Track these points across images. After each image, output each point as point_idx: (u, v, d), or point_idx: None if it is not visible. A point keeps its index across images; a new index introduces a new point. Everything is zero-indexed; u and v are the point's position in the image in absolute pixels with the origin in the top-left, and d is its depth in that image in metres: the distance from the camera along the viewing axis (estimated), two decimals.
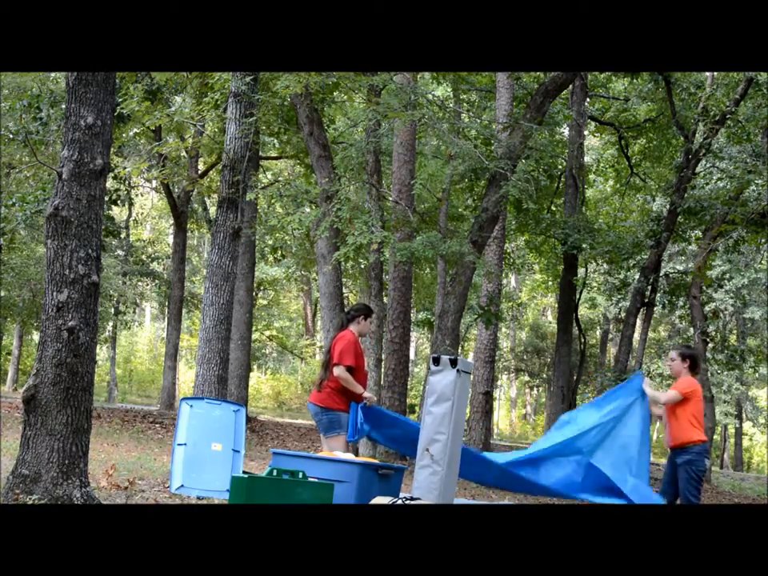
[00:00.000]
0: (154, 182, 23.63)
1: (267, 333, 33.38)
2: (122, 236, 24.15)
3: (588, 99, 18.25)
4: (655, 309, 18.56)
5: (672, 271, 20.16)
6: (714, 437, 25.85)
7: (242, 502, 4.54)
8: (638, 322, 17.69)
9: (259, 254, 21.90)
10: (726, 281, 21.92)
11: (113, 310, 25.41)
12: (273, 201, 18.98)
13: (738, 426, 34.74)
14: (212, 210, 20.60)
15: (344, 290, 18.36)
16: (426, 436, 5.44)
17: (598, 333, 32.68)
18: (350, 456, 5.80)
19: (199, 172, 19.61)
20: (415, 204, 13.73)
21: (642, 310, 16.32)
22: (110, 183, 16.34)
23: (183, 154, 17.71)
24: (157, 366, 35.20)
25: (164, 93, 14.12)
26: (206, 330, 10.15)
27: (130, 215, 26.33)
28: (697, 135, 16.10)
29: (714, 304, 23.82)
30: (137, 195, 25.43)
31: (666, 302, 18.18)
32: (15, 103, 12.47)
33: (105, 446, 11.12)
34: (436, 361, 5.52)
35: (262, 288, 30.54)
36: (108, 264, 22.69)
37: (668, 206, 16.32)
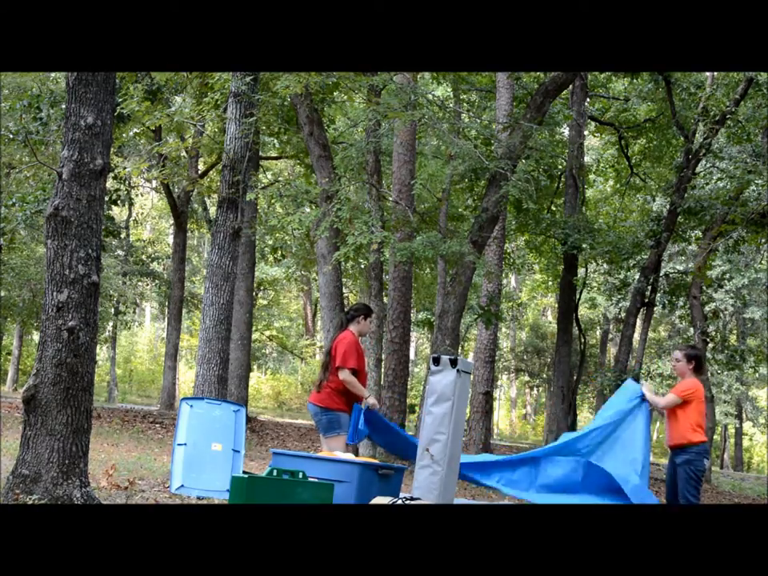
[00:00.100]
0: (153, 182, 23.63)
1: (267, 333, 33.39)
2: (122, 236, 24.16)
3: (588, 99, 18.25)
4: (655, 309, 18.56)
5: (672, 271, 20.16)
6: (714, 437, 25.85)
7: (242, 501, 4.53)
8: (638, 321, 17.68)
9: (259, 254, 21.91)
10: (726, 281, 21.92)
11: (113, 309, 25.42)
12: (273, 201, 18.98)
13: (738, 426, 34.75)
14: (212, 210, 20.60)
15: (344, 290, 18.36)
16: (426, 436, 5.44)
17: (598, 333, 32.67)
18: (349, 456, 5.80)
19: (199, 172, 19.61)
20: (415, 204, 13.72)
21: (642, 309, 16.32)
22: (110, 183, 16.34)
23: (183, 153, 17.71)
24: (157, 366, 35.20)
25: (164, 93, 14.12)
26: (206, 329, 10.15)
27: (129, 215, 26.33)
28: (697, 135, 16.10)
29: (714, 304, 23.82)
30: (137, 195, 25.43)
31: (666, 301, 18.17)
32: (15, 103, 12.48)
33: (105, 446, 11.12)
34: (436, 361, 5.52)
35: (262, 288, 30.55)
36: (108, 264, 22.70)
37: (668, 206, 16.31)
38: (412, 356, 32.21)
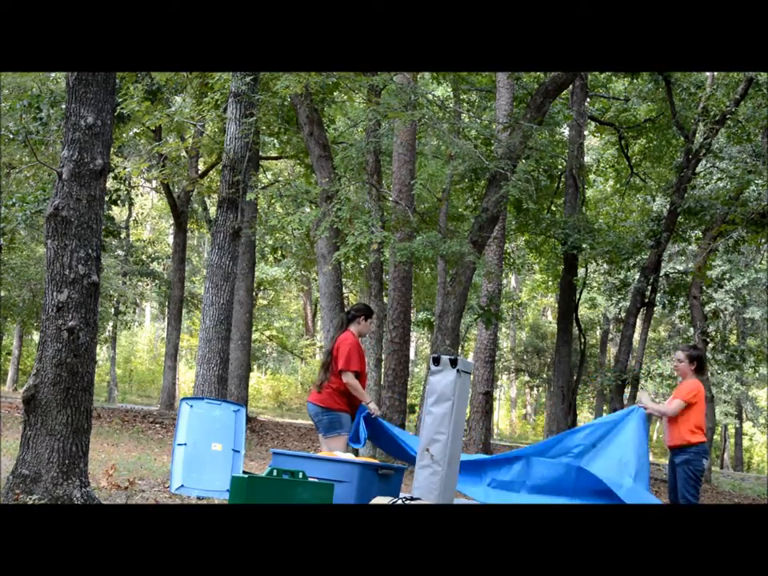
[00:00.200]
0: (153, 182, 23.63)
1: (267, 333, 33.39)
2: (122, 236, 24.15)
3: (588, 99, 18.24)
4: (655, 309, 18.55)
5: (672, 271, 20.16)
6: (714, 437, 25.85)
7: (242, 501, 4.54)
8: (638, 321, 17.69)
9: (259, 254, 21.90)
10: (726, 281, 21.91)
11: (113, 309, 25.41)
12: (273, 201, 18.98)
13: (738, 426, 34.74)
14: (212, 210, 20.59)
15: (344, 290, 18.36)
16: (426, 436, 5.44)
17: (598, 333, 32.67)
18: (349, 456, 5.80)
19: (199, 172, 19.61)
20: (415, 204, 13.72)
21: (642, 309, 16.32)
22: (110, 183, 16.34)
23: (183, 153, 17.71)
24: (157, 366, 35.20)
25: (164, 93, 14.11)
26: (206, 329, 10.15)
27: (129, 215, 26.33)
28: (697, 135, 16.10)
29: (714, 304, 23.81)
30: (137, 195, 25.43)
31: (666, 301, 18.17)
32: (15, 103, 12.48)
33: (105, 445, 11.12)
34: (436, 361, 5.52)
35: (262, 288, 30.54)
36: (108, 264, 22.70)
37: (668, 206, 16.31)
38: (412, 356, 32.20)
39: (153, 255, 26.19)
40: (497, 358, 21.80)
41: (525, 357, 35.52)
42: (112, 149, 7.63)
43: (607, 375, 16.01)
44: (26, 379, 11.09)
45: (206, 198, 21.46)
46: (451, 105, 16.65)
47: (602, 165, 22.03)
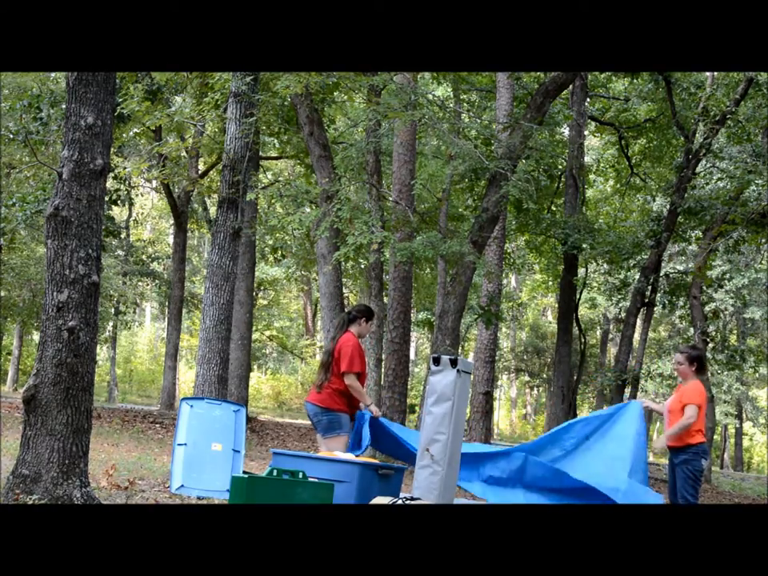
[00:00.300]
0: (154, 182, 23.63)
1: (267, 333, 33.38)
2: (122, 236, 24.15)
3: (588, 99, 18.24)
4: (655, 309, 18.55)
5: (672, 271, 20.15)
6: (714, 437, 25.84)
7: (242, 501, 4.53)
8: (638, 321, 17.69)
9: (259, 254, 21.90)
10: (726, 281, 21.91)
11: (113, 309, 25.42)
12: (273, 201, 18.99)
13: (738, 426, 34.74)
14: (212, 210, 20.60)
15: (344, 290, 18.37)
16: (426, 436, 5.44)
17: (598, 333, 32.67)
18: (349, 456, 5.80)
19: (199, 172, 19.61)
20: (415, 204, 13.72)
21: (642, 309, 16.32)
22: (110, 183, 16.34)
23: (183, 153, 17.71)
24: (157, 366, 35.20)
25: (164, 93, 14.12)
26: (206, 330, 10.15)
27: (130, 215, 26.33)
28: (697, 135, 16.10)
29: (714, 304, 23.81)
30: (137, 195, 25.43)
31: (666, 301, 18.17)
32: (15, 103, 12.49)
33: (105, 445, 11.12)
34: (436, 361, 5.52)
35: (262, 288, 30.54)
36: (108, 264, 22.70)
37: (668, 206, 16.31)
38: (412, 356, 32.20)
39: (153, 255, 26.19)
40: (497, 357, 21.79)
41: (525, 357, 35.52)
42: (112, 149, 7.63)
43: (607, 375, 16.01)
44: (26, 379, 11.09)
45: (206, 198, 21.46)
46: (451, 105, 16.65)
47: (602, 165, 22.03)
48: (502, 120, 13.27)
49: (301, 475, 4.79)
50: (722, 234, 15.75)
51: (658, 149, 18.95)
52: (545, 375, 33.80)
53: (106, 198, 13.46)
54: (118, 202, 17.59)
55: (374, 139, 11.47)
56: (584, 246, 15.28)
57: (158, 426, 15.59)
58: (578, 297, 17.63)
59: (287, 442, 16.19)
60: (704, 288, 18.18)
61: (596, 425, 6.65)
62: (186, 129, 17.33)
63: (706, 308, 20.32)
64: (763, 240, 16.53)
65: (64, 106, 6.15)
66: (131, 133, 17.35)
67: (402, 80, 11.49)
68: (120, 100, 12.37)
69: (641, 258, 16.61)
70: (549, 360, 32.54)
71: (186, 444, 7.55)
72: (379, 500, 4.92)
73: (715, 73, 16.25)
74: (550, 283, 24.70)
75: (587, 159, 21.52)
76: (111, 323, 26.49)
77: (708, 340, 17.89)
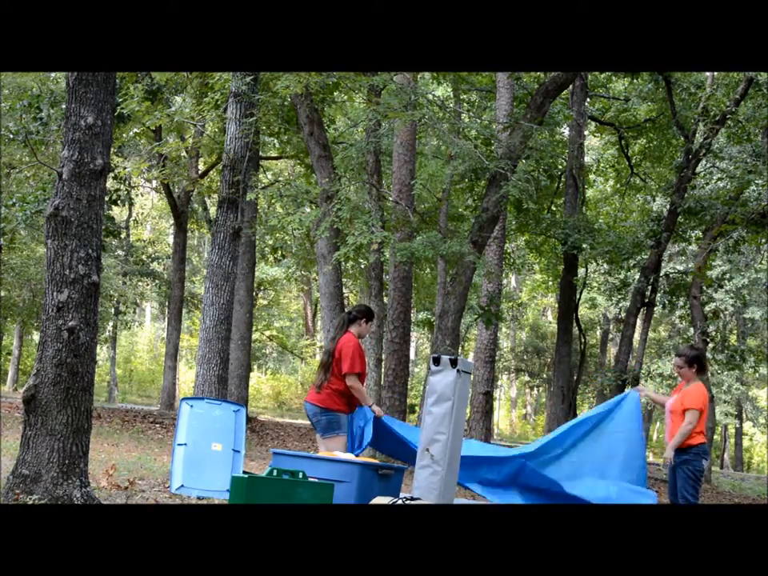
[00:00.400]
0: (154, 182, 23.63)
1: (267, 333, 33.38)
2: (122, 236, 24.15)
3: (588, 99, 18.24)
4: (655, 309, 18.55)
5: (672, 271, 20.15)
6: (714, 437, 25.84)
7: (242, 501, 4.53)
8: (638, 322, 17.68)
9: (259, 254, 21.90)
10: (726, 281, 21.91)
11: (113, 310, 25.42)
12: (273, 201, 18.97)
13: (738, 426, 34.74)
14: (212, 210, 20.60)
15: (344, 290, 18.37)
16: (426, 436, 5.44)
17: (598, 333, 32.67)
18: (349, 456, 5.80)
19: (199, 172, 19.61)
20: (415, 204, 13.72)
21: (642, 309, 16.31)
22: (110, 183, 16.34)
23: (183, 153, 17.71)
24: (157, 366, 35.20)
25: (164, 93, 14.12)
26: (206, 330, 10.15)
27: (130, 215, 26.33)
28: (697, 135, 16.09)
29: (714, 304, 23.81)
30: (137, 195, 25.43)
31: (666, 302, 18.17)
32: (15, 103, 12.49)
33: (105, 446, 11.12)
34: (436, 361, 5.52)
35: (262, 288, 30.54)
36: (108, 264, 22.70)
37: (668, 206, 16.31)
38: (412, 356, 32.20)
39: (153, 255, 26.18)
40: (497, 357, 21.79)
41: (525, 357, 35.52)
42: (112, 149, 7.63)
43: (607, 375, 16.00)
44: (26, 379, 11.10)
45: (206, 198, 21.46)
46: (451, 105, 16.65)
47: (602, 165, 22.03)
48: (502, 120, 13.27)
49: (301, 475, 4.78)
50: (722, 233, 15.75)
51: (658, 149, 18.95)
52: (545, 375, 33.80)
53: (106, 198, 13.46)
54: (118, 202, 17.59)
55: (373, 139, 11.47)
56: (584, 245, 15.28)
57: (157, 425, 15.59)
58: (577, 297, 17.63)
59: (287, 441, 16.19)
60: (704, 288, 18.17)
61: (594, 423, 6.65)
62: (186, 129, 17.33)
63: (706, 308, 20.32)
64: (763, 240, 16.52)
65: (64, 106, 6.15)
66: (131, 133, 17.35)
67: (402, 80, 11.49)
68: (120, 100, 12.37)
69: (641, 258, 16.60)
70: (549, 360, 32.54)
71: (185, 444, 7.55)
72: (379, 500, 4.92)
73: (715, 73, 16.25)
74: (550, 283, 24.70)
75: (587, 159, 21.52)
76: (111, 323, 26.49)
77: (708, 340, 17.89)
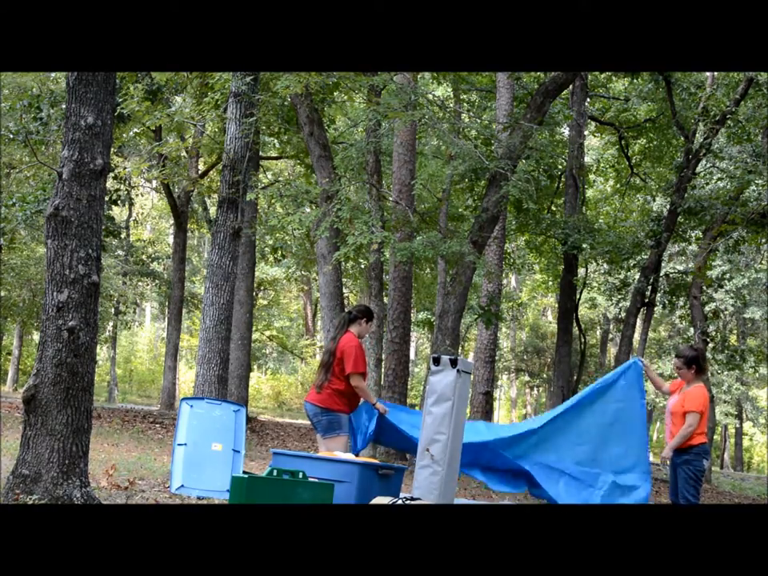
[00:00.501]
0: (154, 182, 23.63)
1: (267, 333, 33.38)
2: (122, 236, 24.14)
3: (588, 99, 18.24)
4: (655, 309, 18.55)
5: (672, 271, 20.15)
6: (714, 437, 25.84)
7: (242, 502, 4.53)
8: (638, 321, 17.69)
9: (259, 254, 21.89)
10: (726, 281, 21.91)
11: (113, 309, 25.42)
12: (273, 201, 18.97)
13: (738, 426, 34.75)
14: (212, 210, 20.60)
15: (344, 290, 18.37)
16: (426, 436, 5.44)
17: (598, 333, 32.68)
18: (349, 456, 5.80)
19: (199, 172, 19.61)
20: (415, 204, 13.72)
21: (642, 309, 16.31)
22: (110, 183, 16.34)
23: (183, 153, 17.72)
24: (157, 366, 35.19)
25: (164, 93, 14.12)
26: (206, 330, 10.15)
27: (130, 215, 26.34)
28: (697, 135, 16.09)
29: (714, 304, 23.81)
30: (137, 195, 25.44)
31: (666, 301, 18.17)
32: (15, 103, 12.49)
33: (105, 446, 11.12)
34: (436, 361, 5.52)
35: (262, 288, 30.54)
36: (108, 264, 22.70)
37: (668, 206, 16.31)
38: (412, 356, 32.21)
39: (153, 255, 26.18)
40: (497, 357, 21.80)
41: (525, 357, 35.50)
42: (112, 149, 7.63)
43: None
44: (26, 379, 11.10)
45: (206, 198, 21.46)
46: (451, 105, 16.65)
47: (602, 165, 22.03)
48: (502, 120, 13.27)
49: (301, 475, 4.79)
50: (721, 233, 15.75)
51: (658, 149, 18.95)
52: (545, 375, 33.79)
53: (106, 198, 13.47)
54: (118, 202, 17.60)
55: (373, 139, 11.47)
56: (584, 245, 15.28)
57: (157, 425, 15.59)
58: (577, 297, 17.63)
59: (287, 441, 16.19)
60: (704, 288, 18.18)
61: (598, 393, 6.60)
62: (186, 129, 17.33)
63: (706, 308, 20.33)
64: (763, 240, 16.53)
65: (64, 106, 6.15)
66: (131, 133, 17.36)
67: (402, 80, 11.49)
68: (120, 100, 12.37)
69: (641, 258, 16.60)
70: (549, 360, 32.53)
71: (186, 444, 7.55)
72: (379, 500, 4.92)
73: (715, 73, 16.25)
74: (550, 283, 24.70)
75: (587, 159, 21.52)
76: (111, 323, 26.50)
77: (708, 340, 17.89)
